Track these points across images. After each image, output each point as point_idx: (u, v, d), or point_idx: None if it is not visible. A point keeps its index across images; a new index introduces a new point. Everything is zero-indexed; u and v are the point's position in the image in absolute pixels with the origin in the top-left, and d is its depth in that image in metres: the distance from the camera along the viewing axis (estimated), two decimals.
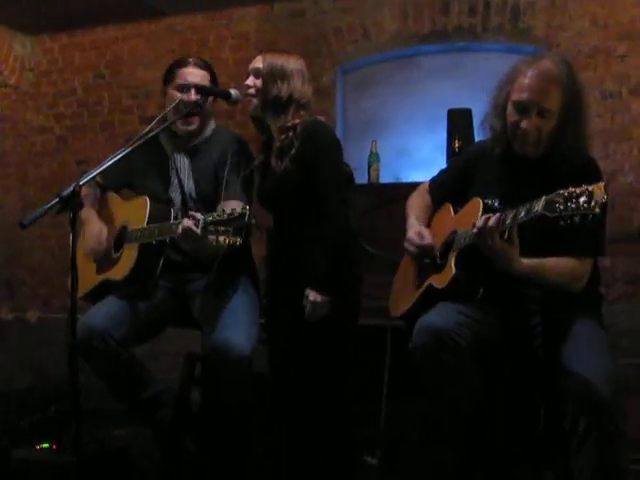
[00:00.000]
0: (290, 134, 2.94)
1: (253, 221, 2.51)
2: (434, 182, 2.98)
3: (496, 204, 2.54)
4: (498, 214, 2.31)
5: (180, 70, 3.08)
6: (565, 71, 2.47)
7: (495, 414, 2.59)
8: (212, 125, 3.17)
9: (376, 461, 3.36)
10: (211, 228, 2.55)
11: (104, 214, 3.19)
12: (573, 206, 2.03)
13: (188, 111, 2.99)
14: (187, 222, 2.64)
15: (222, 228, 2.52)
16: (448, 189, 2.86)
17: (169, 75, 3.12)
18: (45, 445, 3.09)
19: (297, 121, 2.94)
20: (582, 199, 2.02)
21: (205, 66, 3.12)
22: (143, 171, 3.14)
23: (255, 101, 2.99)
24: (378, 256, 3.69)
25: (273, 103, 2.95)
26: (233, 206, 2.63)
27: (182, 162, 3.10)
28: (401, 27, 4.86)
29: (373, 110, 5.02)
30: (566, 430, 2.29)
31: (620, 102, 4.38)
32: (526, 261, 2.35)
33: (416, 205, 2.93)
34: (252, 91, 2.99)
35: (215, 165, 3.06)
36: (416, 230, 2.75)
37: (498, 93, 2.59)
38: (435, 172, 3.06)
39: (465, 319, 2.46)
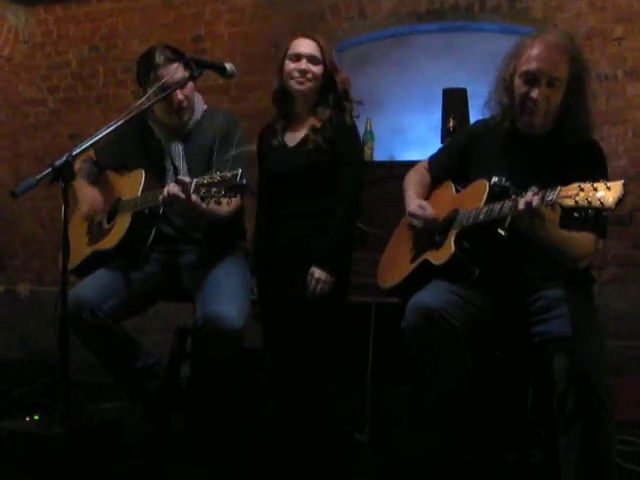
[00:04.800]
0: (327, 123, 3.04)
1: (244, 181, 2.49)
2: (433, 160, 2.97)
3: (503, 181, 2.53)
4: (532, 192, 2.20)
5: (157, 72, 2.92)
6: (570, 43, 2.50)
7: (484, 395, 2.61)
8: (201, 106, 3.13)
9: (365, 438, 3.38)
10: (203, 190, 2.55)
11: (102, 190, 3.17)
12: (589, 199, 2.00)
13: (176, 109, 2.97)
14: (172, 187, 2.65)
15: (214, 189, 2.52)
16: (448, 167, 2.86)
17: (145, 77, 2.97)
18: (35, 417, 3.09)
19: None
20: (599, 194, 1.98)
21: (177, 57, 2.95)
22: (138, 163, 3.09)
23: (311, 84, 3.06)
24: (370, 234, 3.69)
25: (332, 94, 3.07)
26: None
27: (176, 149, 3.06)
28: (397, 5, 4.81)
29: (368, 88, 4.96)
30: (554, 410, 2.31)
31: (615, 85, 4.36)
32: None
33: (414, 181, 2.91)
34: (309, 76, 3.04)
35: (207, 149, 3.04)
36: (417, 203, 2.74)
37: (504, 68, 2.59)
38: (429, 151, 3.06)
39: (457, 299, 2.47)
